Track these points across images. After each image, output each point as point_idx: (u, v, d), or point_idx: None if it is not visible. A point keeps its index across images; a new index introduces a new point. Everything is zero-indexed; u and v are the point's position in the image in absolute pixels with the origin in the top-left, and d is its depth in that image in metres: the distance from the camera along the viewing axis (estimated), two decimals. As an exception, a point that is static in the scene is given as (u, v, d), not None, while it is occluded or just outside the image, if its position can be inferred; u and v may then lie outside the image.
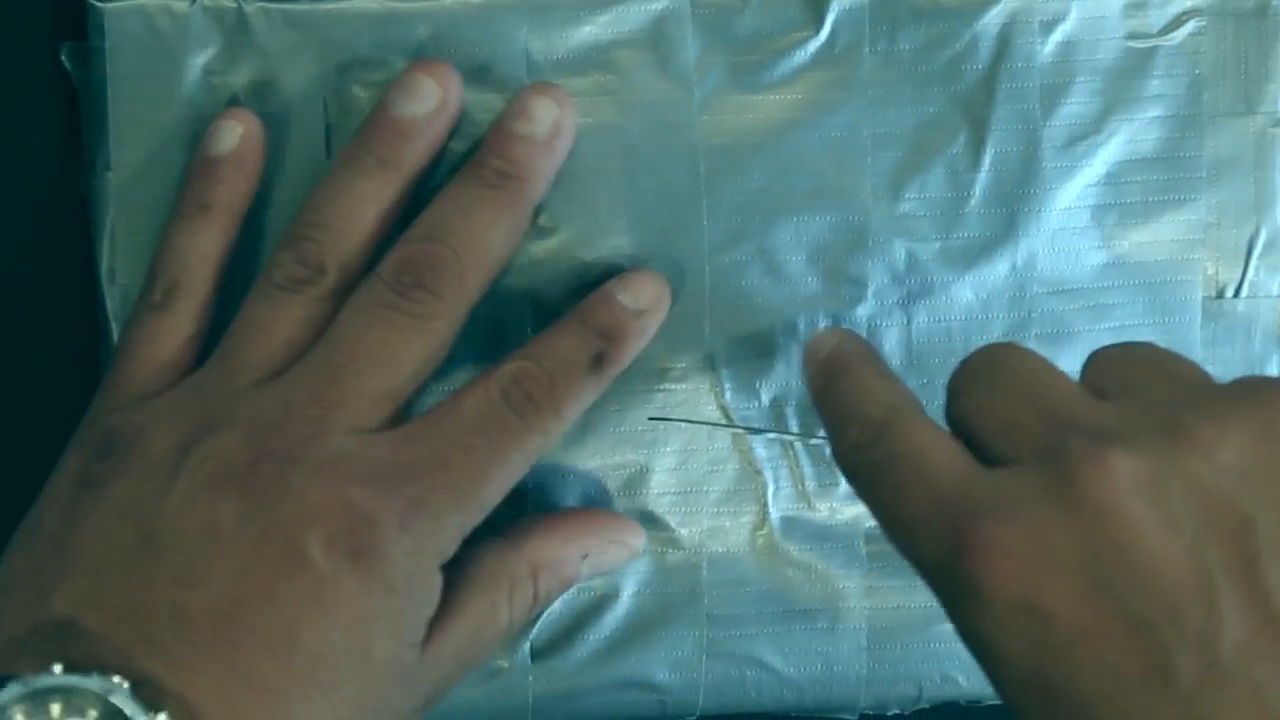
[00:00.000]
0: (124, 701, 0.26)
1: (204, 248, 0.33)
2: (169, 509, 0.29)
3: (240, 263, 0.35)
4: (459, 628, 0.32)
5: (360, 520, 0.29)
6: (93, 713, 0.26)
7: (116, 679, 0.26)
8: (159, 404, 0.31)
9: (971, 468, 0.27)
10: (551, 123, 0.34)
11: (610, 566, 0.36)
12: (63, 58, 0.36)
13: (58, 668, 0.26)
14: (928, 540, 0.27)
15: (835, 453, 0.31)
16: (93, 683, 0.26)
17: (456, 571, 0.32)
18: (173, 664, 0.27)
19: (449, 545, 0.30)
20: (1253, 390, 0.26)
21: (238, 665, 0.27)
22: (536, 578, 0.34)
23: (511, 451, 0.31)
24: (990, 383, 0.29)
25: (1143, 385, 0.28)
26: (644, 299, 0.34)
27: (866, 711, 0.38)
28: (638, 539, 0.36)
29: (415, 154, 0.33)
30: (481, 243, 0.32)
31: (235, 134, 0.34)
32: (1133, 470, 0.25)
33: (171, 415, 0.31)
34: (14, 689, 0.26)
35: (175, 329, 0.33)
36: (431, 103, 0.34)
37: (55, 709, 0.26)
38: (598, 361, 0.33)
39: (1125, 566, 0.24)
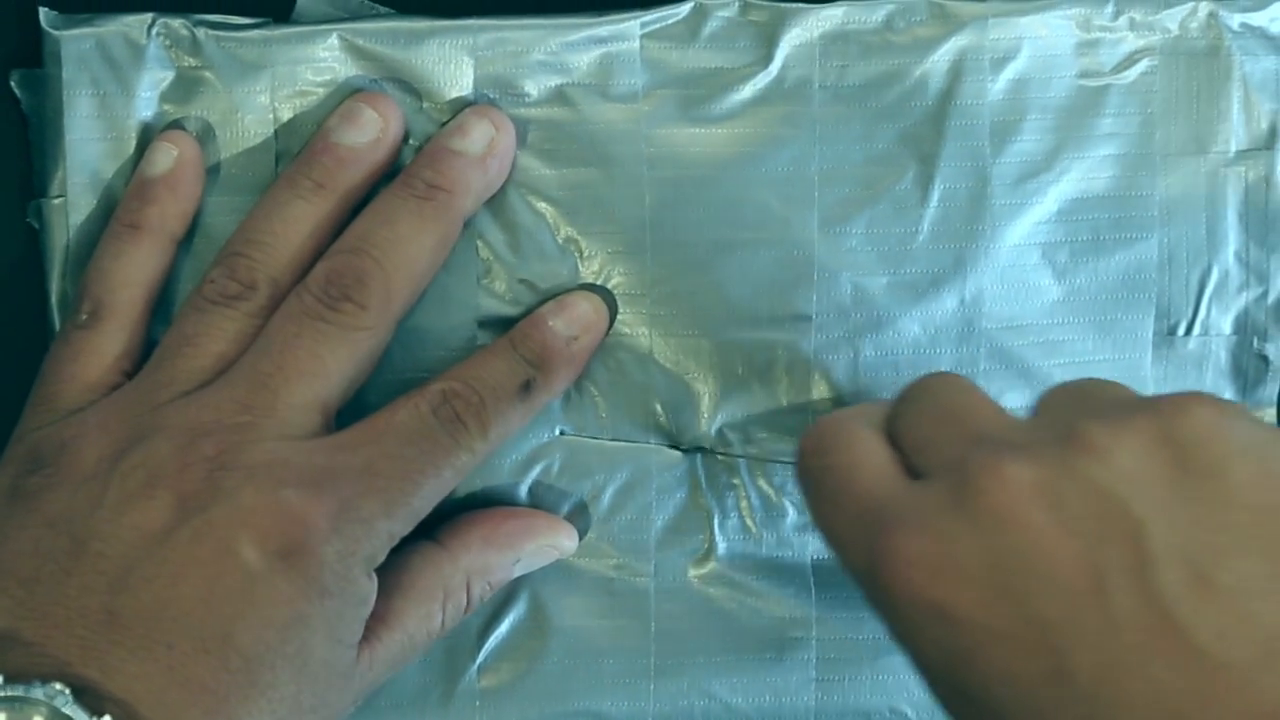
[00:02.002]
0: (68, 707, 0.26)
1: (130, 268, 0.34)
2: (101, 516, 0.29)
3: (184, 288, 0.35)
4: (395, 636, 0.32)
5: (292, 521, 0.29)
6: (38, 719, 0.26)
7: (59, 686, 0.26)
8: (86, 416, 0.31)
9: (894, 481, 0.29)
10: (486, 142, 0.34)
11: (539, 566, 0.36)
12: (13, 84, 0.36)
13: None
14: (853, 550, 0.28)
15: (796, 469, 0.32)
16: (36, 691, 0.26)
17: (393, 580, 0.33)
18: (109, 669, 0.27)
19: (379, 551, 0.31)
20: (1152, 402, 0.26)
21: (173, 668, 0.28)
22: (470, 586, 0.34)
23: (441, 466, 0.32)
24: (917, 404, 0.30)
25: (1061, 404, 0.29)
26: (577, 324, 0.35)
27: (815, 744, 0.38)
28: (571, 541, 0.37)
29: (351, 180, 0.34)
30: (407, 253, 0.33)
31: (170, 156, 0.34)
32: (1030, 478, 0.26)
33: (100, 426, 0.31)
34: None
35: (100, 349, 0.33)
36: (371, 133, 0.34)
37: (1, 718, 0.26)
38: (526, 388, 0.34)
39: (1024, 571, 0.25)
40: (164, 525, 0.29)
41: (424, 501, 0.31)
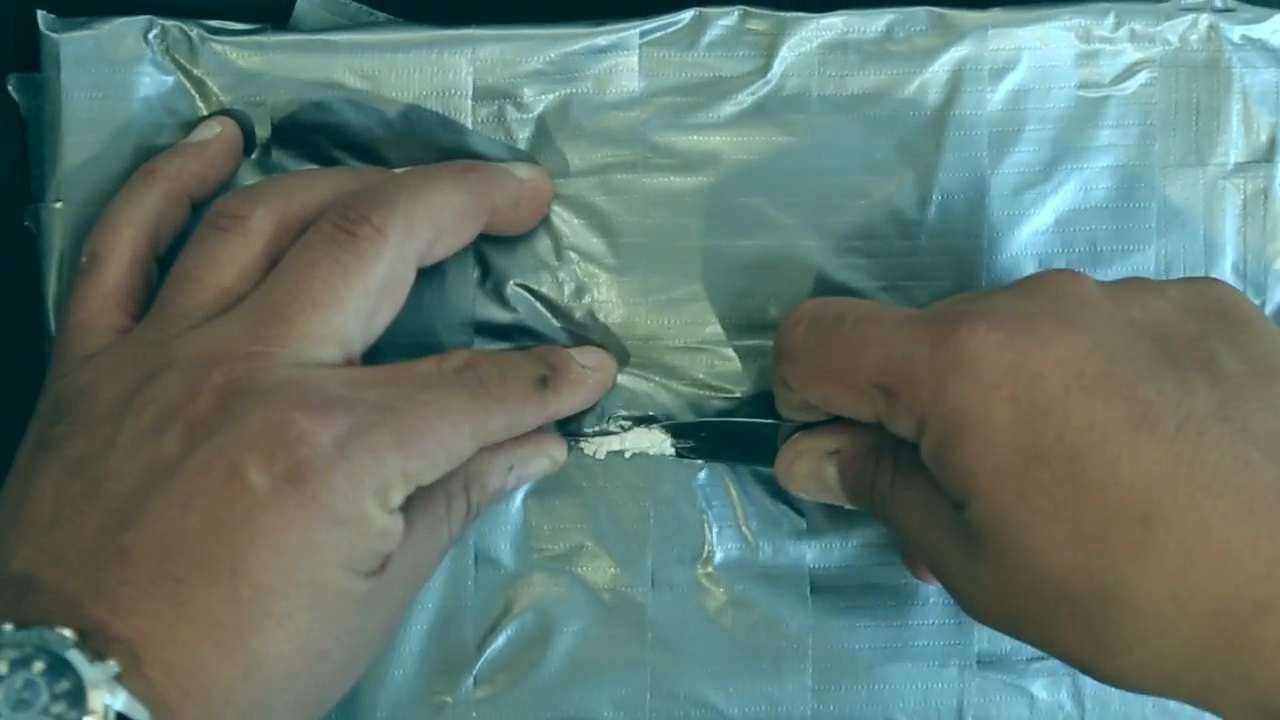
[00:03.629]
0: (68, 652, 0.26)
1: (136, 209, 0.34)
2: (115, 456, 0.29)
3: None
4: (407, 552, 0.31)
5: (298, 441, 0.28)
6: (39, 665, 0.26)
7: (67, 632, 0.26)
8: (100, 361, 0.31)
9: (933, 308, 0.31)
10: (528, 174, 0.35)
11: (534, 477, 0.36)
12: (10, 89, 0.36)
13: (8, 626, 0.26)
14: (907, 346, 0.29)
15: (784, 345, 0.32)
16: (34, 636, 0.26)
17: None
18: (118, 608, 0.27)
19: (391, 487, 0.29)
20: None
21: (183, 602, 0.27)
22: (469, 491, 0.34)
23: (459, 418, 0.31)
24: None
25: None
26: (591, 359, 0.36)
27: (811, 753, 0.38)
28: (561, 451, 0.36)
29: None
30: (434, 199, 0.32)
31: (211, 131, 0.35)
32: (1096, 285, 0.29)
33: (113, 370, 0.31)
34: None
35: (100, 289, 0.33)
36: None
37: (2, 666, 0.26)
38: (543, 382, 0.33)
39: (1103, 343, 0.28)
40: (174, 456, 0.28)
41: (442, 451, 0.30)
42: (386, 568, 0.30)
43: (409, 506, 0.31)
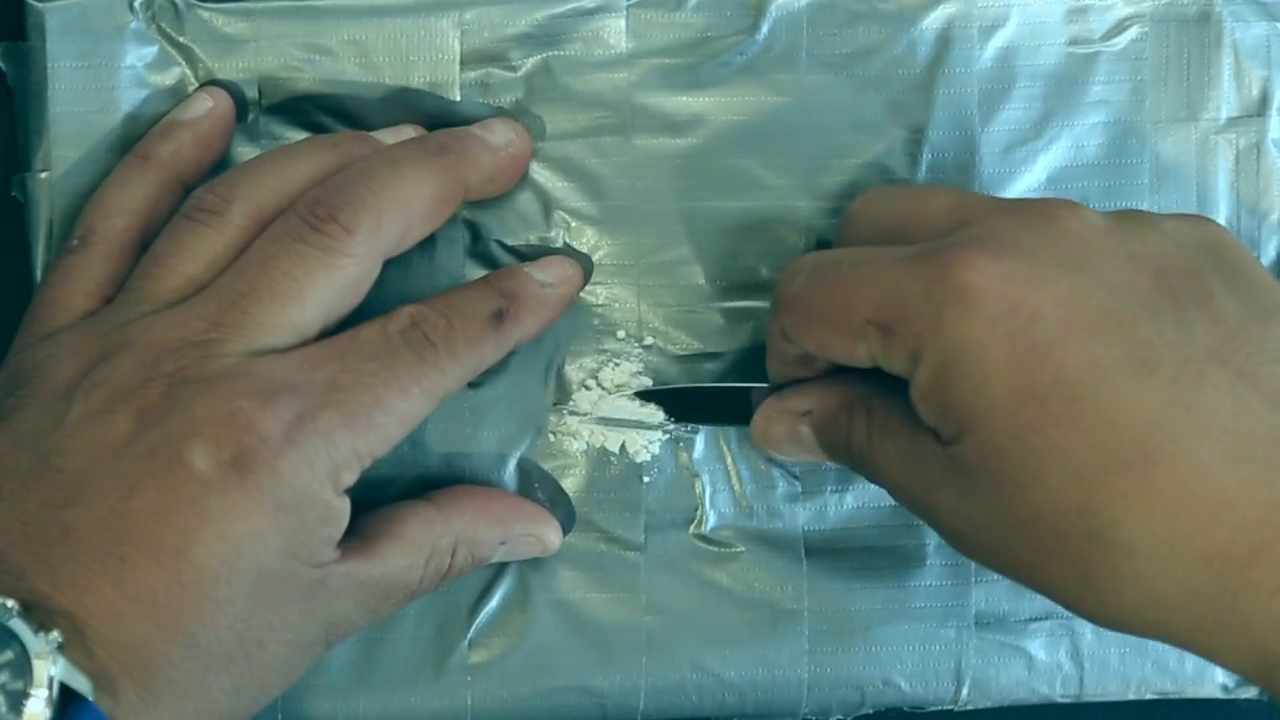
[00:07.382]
0: (12, 621, 0.26)
1: (128, 198, 0.34)
2: (63, 433, 0.29)
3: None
4: (370, 571, 0.32)
5: (244, 430, 0.29)
6: None
7: (10, 602, 0.26)
8: (61, 338, 0.32)
9: (931, 235, 0.30)
10: (504, 140, 0.35)
11: (521, 557, 0.36)
12: (-4, 57, 0.36)
13: None
14: (904, 282, 0.29)
15: (782, 294, 0.32)
16: None
17: (383, 526, 0.33)
18: (60, 582, 0.27)
19: (343, 468, 0.30)
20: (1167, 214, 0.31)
21: (125, 580, 0.27)
22: (455, 552, 0.34)
23: (408, 384, 0.31)
24: (895, 198, 0.33)
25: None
26: (551, 274, 0.35)
27: (809, 716, 0.38)
28: (556, 538, 0.37)
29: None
30: (405, 193, 0.32)
31: (203, 106, 0.35)
32: (1097, 218, 0.29)
33: (71, 347, 0.31)
34: None
35: (85, 274, 0.33)
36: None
37: None
38: (498, 317, 0.33)
39: (1103, 281, 0.27)
40: (122, 440, 0.29)
41: (391, 419, 0.31)
42: (341, 572, 0.31)
43: (391, 539, 0.32)
